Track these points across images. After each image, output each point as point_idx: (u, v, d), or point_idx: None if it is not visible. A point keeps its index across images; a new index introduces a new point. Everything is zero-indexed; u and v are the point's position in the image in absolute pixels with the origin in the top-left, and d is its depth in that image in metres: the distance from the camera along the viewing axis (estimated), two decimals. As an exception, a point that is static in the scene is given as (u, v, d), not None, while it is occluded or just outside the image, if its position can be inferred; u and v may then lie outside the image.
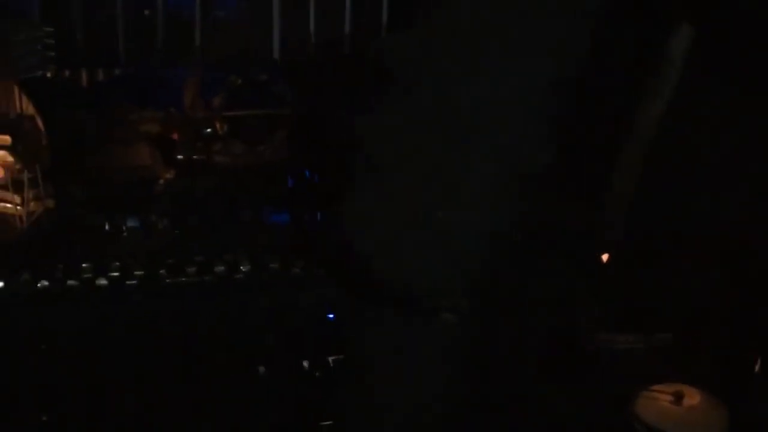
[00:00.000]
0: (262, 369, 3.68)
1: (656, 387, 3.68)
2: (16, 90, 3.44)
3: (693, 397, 3.64)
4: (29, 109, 3.46)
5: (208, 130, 4.09)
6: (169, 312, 3.60)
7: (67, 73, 3.61)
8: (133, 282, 3.65)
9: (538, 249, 3.45)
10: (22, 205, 3.42)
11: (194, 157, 4.10)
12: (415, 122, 3.23)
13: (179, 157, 4.08)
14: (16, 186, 3.44)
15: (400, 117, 3.24)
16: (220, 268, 3.74)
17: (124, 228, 3.93)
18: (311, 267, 3.77)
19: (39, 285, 3.53)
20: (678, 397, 3.60)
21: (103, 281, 3.59)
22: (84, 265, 3.66)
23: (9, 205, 3.45)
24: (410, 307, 3.20)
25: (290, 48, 3.90)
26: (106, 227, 3.92)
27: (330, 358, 3.66)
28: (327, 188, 4.02)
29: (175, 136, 4.18)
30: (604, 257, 3.76)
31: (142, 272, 3.69)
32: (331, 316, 3.72)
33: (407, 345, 3.22)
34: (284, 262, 3.79)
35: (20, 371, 3.48)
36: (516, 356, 3.50)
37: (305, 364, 3.67)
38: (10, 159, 3.35)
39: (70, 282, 3.57)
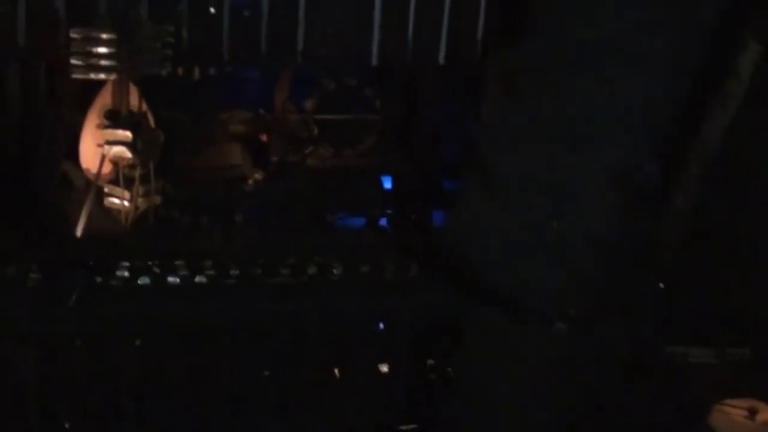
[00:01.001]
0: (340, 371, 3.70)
1: (731, 401, 3.71)
2: (134, 88, 3.47)
3: (767, 413, 3.67)
4: (143, 106, 3.49)
5: (300, 132, 4.12)
6: (264, 311, 3.61)
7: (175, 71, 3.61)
8: (229, 281, 3.67)
9: (631, 260, 3.49)
10: (130, 201, 3.44)
11: (285, 159, 4.13)
12: (531, 132, 3.27)
13: (273, 158, 4.11)
14: (126, 182, 3.45)
15: (516, 127, 3.28)
16: (312, 270, 3.77)
17: (215, 227, 3.96)
18: (403, 271, 3.80)
19: (139, 281, 3.56)
20: (752, 412, 3.62)
21: (201, 278, 3.61)
22: (178, 262, 3.69)
23: (117, 201, 3.47)
24: (523, 315, 3.24)
25: (388, 54, 3.91)
26: (200, 226, 3.96)
27: (428, 362, 3.68)
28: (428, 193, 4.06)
29: (264, 137, 4.21)
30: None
31: (238, 271, 3.71)
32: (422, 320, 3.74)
33: (519, 351, 3.25)
34: (375, 266, 3.82)
35: (118, 366, 3.50)
36: (611, 365, 3.54)
37: (397, 368, 3.68)
38: (128, 155, 3.36)
39: (171, 279, 3.59)
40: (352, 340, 3.64)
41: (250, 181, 4.12)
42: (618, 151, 3.24)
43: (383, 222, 4.24)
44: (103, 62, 3.34)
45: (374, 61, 3.93)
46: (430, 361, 3.65)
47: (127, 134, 3.34)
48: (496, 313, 3.29)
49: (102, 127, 3.49)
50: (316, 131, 4.17)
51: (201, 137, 4.04)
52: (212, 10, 3.71)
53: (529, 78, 3.31)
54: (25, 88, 3.81)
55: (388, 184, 4.43)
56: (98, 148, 3.52)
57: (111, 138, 3.35)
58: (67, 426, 3.52)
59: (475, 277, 3.33)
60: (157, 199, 3.52)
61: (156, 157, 3.47)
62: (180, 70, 3.62)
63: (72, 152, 3.69)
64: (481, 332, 3.33)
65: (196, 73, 3.90)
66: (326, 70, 4.06)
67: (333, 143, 4.22)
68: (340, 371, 3.66)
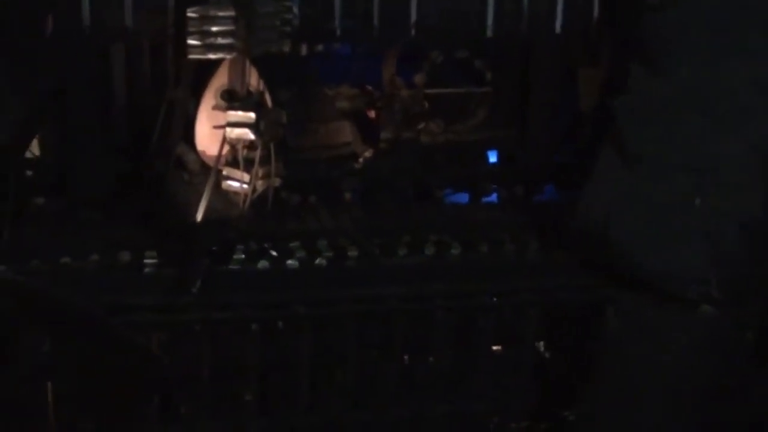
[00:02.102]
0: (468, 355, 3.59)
1: None
2: (251, 66, 3.36)
3: None
4: (260, 86, 3.38)
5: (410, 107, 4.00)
6: (386, 294, 3.50)
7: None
8: (349, 263, 3.57)
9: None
10: (249, 183, 3.34)
11: (395, 135, 4.01)
12: (673, 105, 3.13)
13: (382, 135, 3.99)
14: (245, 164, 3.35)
15: (657, 100, 3.15)
16: (431, 250, 3.65)
17: (327, 207, 3.87)
18: (523, 250, 3.68)
19: (259, 266, 3.46)
20: None
21: (320, 261, 3.51)
22: (293, 244, 3.59)
23: (236, 184, 3.37)
24: (666, 296, 3.12)
25: (503, 25, 3.77)
26: (310, 206, 3.86)
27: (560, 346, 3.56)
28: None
29: (371, 114, 4.09)
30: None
31: (356, 253, 3.61)
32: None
33: (661, 335, 3.14)
34: (494, 245, 3.70)
35: (239, 353, 3.42)
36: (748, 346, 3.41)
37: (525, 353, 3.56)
38: (251, 137, 3.26)
39: (289, 262, 3.49)
40: (477, 323, 3.52)
41: (360, 159, 4.01)
42: (762, 127, 3.11)
43: (493, 198, 4.12)
44: (221, 41, 3.23)
45: (489, 33, 3.80)
46: (562, 345, 3.52)
47: (250, 115, 3.24)
48: (637, 295, 3.18)
49: (219, 108, 3.38)
50: (426, 106, 4.04)
51: (309, 115, 3.92)
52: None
53: (666, 48, 3.17)
54: (134, 71, 3.73)
55: (494, 158, 4.32)
56: (214, 130, 3.41)
57: (233, 119, 3.24)
58: (183, 412, 3.45)
59: (613, 257, 3.22)
60: (276, 181, 3.41)
61: (278, 137, 3.37)
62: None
63: (186, 135, 3.59)
64: (621, 315, 3.21)
65: (303, 49, 3.77)
66: (436, 43, 3.91)
67: (443, 118, 4.09)
68: (467, 355, 3.55)
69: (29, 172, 3.73)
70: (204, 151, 3.46)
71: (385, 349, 3.48)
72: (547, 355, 3.56)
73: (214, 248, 3.24)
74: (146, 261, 3.45)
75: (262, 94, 3.38)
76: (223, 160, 3.44)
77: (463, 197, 4.15)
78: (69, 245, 3.55)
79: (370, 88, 4.08)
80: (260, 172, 3.36)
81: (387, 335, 3.49)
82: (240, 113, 3.26)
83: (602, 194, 3.25)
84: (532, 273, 3.59)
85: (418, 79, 4.02)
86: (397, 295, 3.47)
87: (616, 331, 3.22)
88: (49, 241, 3.62)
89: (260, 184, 3.39)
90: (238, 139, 3.29)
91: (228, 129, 3.29)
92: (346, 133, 3.97)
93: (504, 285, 3.55)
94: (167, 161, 3.53)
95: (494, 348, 3.60)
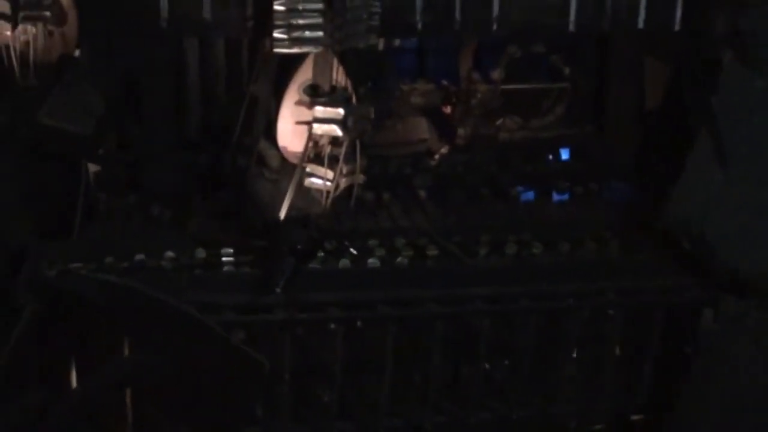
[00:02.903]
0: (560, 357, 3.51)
1: None
2: (336, 62, 3.29)
3: None
4: (345, 81, 3.31)
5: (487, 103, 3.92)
6: (470, 295, 3.43)
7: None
8: (429, 262, 3.50)
9: None
10: (332, 180, 3.26)
11: (472, 131, 3.93)
12: None
13: (459, 131, 3.91)
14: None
15: (754, 97, 3.06)
16: (512, 249, 3.58)
17: (404, 204, 3.80)
18: (603, 249, 3.60)
19: (340, 264, 3.40)
20: None
21: (402, 259, 3.44)
22: (372, 242, 3.53)
23: (318, 181, 3.30)
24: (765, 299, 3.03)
25: (586, 20, 3.69)
26: (386, 203, 3.80)
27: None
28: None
29: (447, 110, 4.02)
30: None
31: (436, 252, 3.54)
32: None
33: (762, 338, 3.05)
34: (576, 244, 3.62)
35: (322, 353, 3.36)
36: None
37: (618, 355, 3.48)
38: (339, 133, 3.19)
39: (371, 261, 3.42)
40: (561, 324, 3.44)
41: (436, 156, 3.93)
42: None
43: (567, 196, 4.04)
44: (308, 34, 3.16)
45: (572, 28, 3.71)
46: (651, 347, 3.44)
47: (339, 111, 3.16)
48: (735, 297, 3.09)
49: (303, 104, 3.31)
50: (502, 102, 3.96)
51: (386, 111, 3.84)
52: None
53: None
54: (209, 64, 3.67)
55: (567, 155, 4.24)
56: (297, 126, 3.34)
57: (320, 115, 3.17)
58: (259, 414, 3.39)
59: (709, 258, 3.14)
60: (360, 178, 3.33)
61: (365, 134, 3.29)
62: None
63: (267, 131, 3.53)
64: (718, 317, 3.13)
65: (380, 44, 3.70)
66: (517, 38, 3.83)
67: (520, 114, 4.01)
68: (549, 357, 3.47)
69: (103, 168, 3.66)
70: (285, 147, 3.40)
71: (468, 351, 3.41)
72: (631, 357, 3.47)
73: (298, 247, 3.16)
74: (224, 259, 3.39)
75: (347, 89, 3.29)
76: (301, 154, 3.36)
77: (537, 194, 4.05)
78: (144, 242, 3.49)
79: (445, 83, 4.00)
80: (344, 169, 3.26)
81: (470, 337, 3.41)
82: (328, 109, 3.18)
83: (695, 193, 3.17)
84: (615, 273, 3.51)
85: (496, 75, 3.94)
86: (481, 295, 3.39)
87: (712, 334, 3.13)
88: (124, 237, 3.56)
89: (343, 182, 3.30)
90: (325, 136, 3.20)
91: (314, 125, 3.20)
92: (422, 129, 3.90)
93: (588, 285, 3.47)
94: (248, 157, 3.45)
95: (575, 350, 3.51)
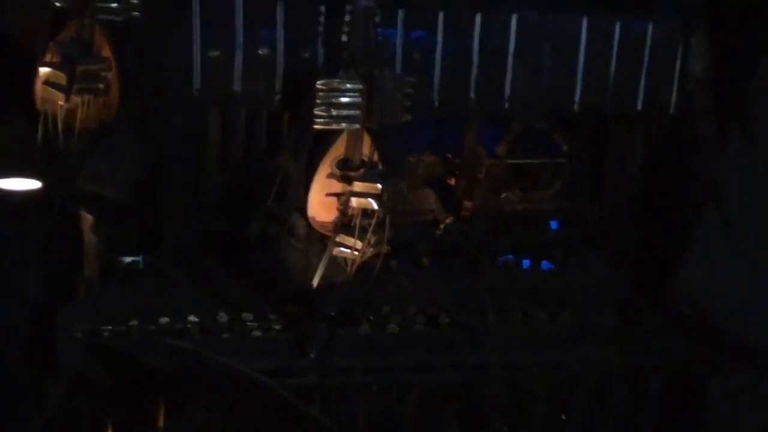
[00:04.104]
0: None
1: None
2: (367, 137, 3.45)
3: None
4: (375, 156, 3.47)
5: (489, 176, 4.11)
6: (485, 364, 3.60)
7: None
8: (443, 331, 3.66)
9: None
10: (360, 250, 3.41)
11: (477, 203, 4.11)
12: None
13: (463, 202, 4.09)
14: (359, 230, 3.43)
15: (758, 173, 3.27)
16: (518, 317, 3.76)
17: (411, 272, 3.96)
18: (605, 319, 3.79)
19: (361, 330, 3.55)
20: None
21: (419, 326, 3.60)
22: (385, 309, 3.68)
23: (347, 251, 3.44)
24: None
25: (589, 101, 3.92)
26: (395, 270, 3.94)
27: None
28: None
29: (452, 181, 4.19)
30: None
31: (448, 320, 3.71)
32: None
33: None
34: (579, 313, 3.82)
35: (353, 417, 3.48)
36: None
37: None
38: (374, 206, 3.34)
39: (391, 326, 3.57)
40: (572, 392, 3.62)
41: (441, 226, 4.10)
42: None
43: (561, 265, 4.21)
44: (346, 113, 3.32)
45: (576, 108, 3.94)
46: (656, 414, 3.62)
47: (377, 186, 3.31)
48: (743, 365, 3.28)
49: (335, 177, 3.46)
50: (505, 175, 4.15)
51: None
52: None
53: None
54: (234, 131, 3.80)
55: (556, 226, 4.43)
56: (326, 197, 3.49)
57: (359, 189, 3.32)
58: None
59: (716, 327, 3.33)
60: (385, 248, 3.48)
61: (397, 206, 3.44)
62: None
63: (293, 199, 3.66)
64: (727, 385, 3.31)
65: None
66: (525, 115, 4.04)
67: (521, 186, 4.20)
68: (558, 424, 3.64)
69: (124, 228, 3.75)
70: (314, 218, 3.53)
71: (485, 417, 3.56)
72: (637, 424, 3.65)
73: (332, 313, 3.30)
74: (249, 323, 3.51)
75: (377, 164, 3.45)
76: (330, 225, 3.50)
77: (532, 262, 4.24)
78: (165, 304, 3.59)
79: (449, 156, 4.18)
80: (372, 240, 3.41)
81: (484, 401, 3.57)
82: (366, 183, 3.33)
83: (701, 265, 3.37)
84: (620, 341, 3.69)
85: (501, 149, 4.12)
86: (495, 362, 3.56)
87: (722, 401, 3.32)
88: (144, 299, 3.65)
89: (370, 251, 3.45)
90: (360, 208, 3.36)
91: (352, 198, 3.35)
92: (430, 200, 4.05)
93: (593, 354, 3.66)
94: (277, 225, 3.58)
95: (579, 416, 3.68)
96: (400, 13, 3.67)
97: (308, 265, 3.53)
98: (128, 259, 3.80)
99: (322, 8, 3.59)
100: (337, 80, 3.32)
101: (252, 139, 3.76)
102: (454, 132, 4.19)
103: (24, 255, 3.50)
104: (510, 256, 4.23)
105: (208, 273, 3.69)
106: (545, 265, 4.25)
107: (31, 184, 3.38)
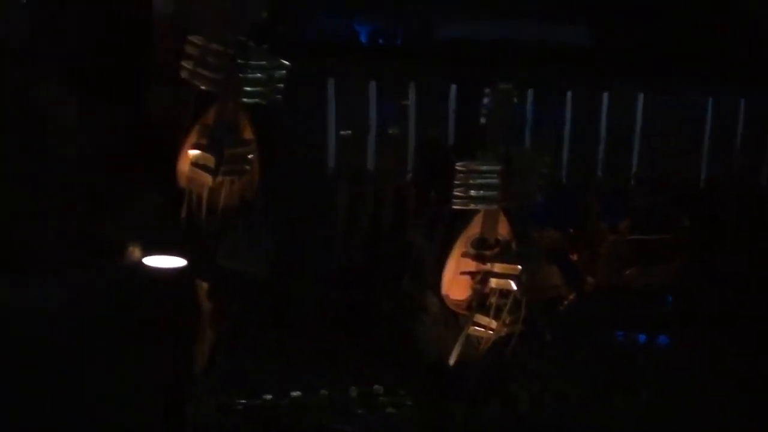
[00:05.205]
0: None
1: None
2: (503, 216, 3.48)
3: None
4: (509, 234, 3.50)
5: (613, 252, 4.11)
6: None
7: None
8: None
9: None
10: (495, 329, 3.43)
11: (600, 279, 4.11)
12: None
13: (587, 278, 4.09)
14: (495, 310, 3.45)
15: None
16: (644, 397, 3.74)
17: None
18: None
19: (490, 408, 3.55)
20: None
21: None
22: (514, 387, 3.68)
23: (481, 330, 3.46)
24: None
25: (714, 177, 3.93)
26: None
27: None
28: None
29: (574, 257, 4.20)
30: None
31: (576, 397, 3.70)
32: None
33: None
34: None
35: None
36: None
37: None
38: (513, 287, 3.37)
39: (521, 404, 3.58)
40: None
41: (566, 302, 4.10)
42: None
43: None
44: (484, 193, 3.36)
45: (701, 185, 3.94)
46: None
47: (518, 267, 3.34)
48: None
49: (471, 256, 3.49)
50: (627, 251, 4.15)
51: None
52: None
53: None
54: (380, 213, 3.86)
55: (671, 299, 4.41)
56: (460, 275, 3.52)
57: (500, 270, 3.35)
58: None
59: None
60: (520, 328, 3.50)
61: (538, 288, 3.46)
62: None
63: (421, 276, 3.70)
64: None
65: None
66: (644, 191, 4.05)
67: (642, 262, 4.19)
68: None
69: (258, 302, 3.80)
70: (448, 296, 3.56)
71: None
72: None
73: (468, 392, 3.32)
74: (382, 398, 3.53)
75: (512, 243, 3.48)
76: (463, 304, 3.53)
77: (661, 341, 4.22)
78: (293, 377, 3.62)
79: (572, 231, 4.19)
80: (507, 320, 3.43)
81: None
82: (506, 264, 3.36)
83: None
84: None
85: (623, 225, 4.13)
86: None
87: None
88: (273, 372, 3.68)
89: (504, 331, 3.46)
90: (498, 289, 3.38)
91: (491, 278, 3.38)
92: (555, 277, 4.06)
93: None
94: (410, 302, 3.62)
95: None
96: (530, 93, 3.71)
97: (440, 342, 3.54)
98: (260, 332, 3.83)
99: (453, 87, 3.64)
100: (475, 162, 3.35)
101: (383, 215, 3.79)
102: (572, 205, 4.21)
103: (160, 329, 3.55)
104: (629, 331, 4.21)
105: (340, 347, 3.71)
106: (663, 339, 4.23)
107: (175, 262, 3.44)
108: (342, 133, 3.66)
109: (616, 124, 3.82)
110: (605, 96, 3.79)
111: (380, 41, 3.80)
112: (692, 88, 3.86)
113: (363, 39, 3.82)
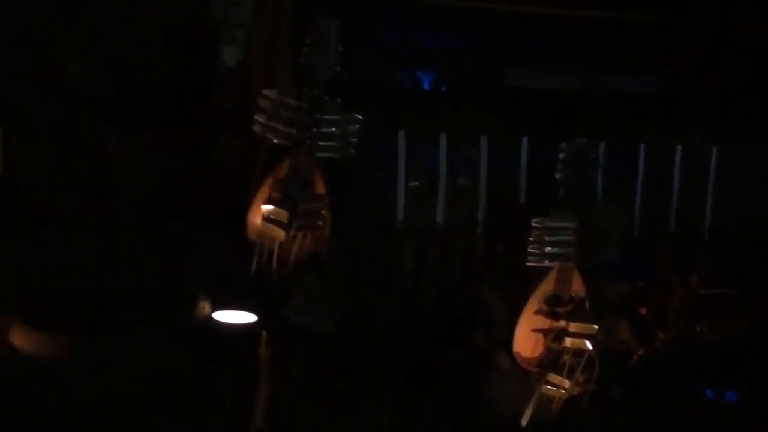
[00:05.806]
0: None
1: None
2: (577, 273, 3.42)
3: None
4: (583, 291, 3.44)
5: (684, 307, 4.03)
6: None
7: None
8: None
9: None
10: (567, 389, 3.36)
11: (670, 334, 4.03)
12: None
13: (660, 334, 4.02)
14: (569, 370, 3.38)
15: None
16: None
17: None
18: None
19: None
20: None
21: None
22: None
23: (553, 389, 3.40)
24: None
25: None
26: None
27: None
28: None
29: (643, 311, 4.12)
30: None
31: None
32: None
33: None
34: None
35: None
36: None
37: None
38: (590, 348, 3.31)
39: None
40: None
41: (635, 357, 4.02)
42: None
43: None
44: (558, 251, 3.31)
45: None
46: None
47: (593, 327, 3.28)
48: None
49: (544, 313, 3.43)
50: (700, 306, 4.07)
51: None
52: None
53: None
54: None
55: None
56: (533, 333, 3.46)
57: (577, 330, 3.29)
58: None
59: None
60: (592, 387, 3.43)
61: (607, 343, 3.40)
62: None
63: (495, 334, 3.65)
64: None
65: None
66: (717, 245, 3.98)
67: (713, 318, 4.11)
68: None
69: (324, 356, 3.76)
70: (519, 353, 3.50)
71: None
72: None
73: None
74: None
75: (585, 301, 3.42)
76: (533, 362, 3.47)
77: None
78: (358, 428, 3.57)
79: (642, 284, 4.12)
80: (581, 378, 3.37)
81: None
82: (582, 323, 3.30)
83: None
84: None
85: (694, 279, 4.05)
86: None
87: None
88: (342, 428, 3.64)
89: (576, 390, 3.40)
90: (574, 348, 3.32)
91: (568, 339, 3.32)
92: (624, 332, 3.99)
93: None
94: (481, 358, 3.57)
95: None
96: (602, 146, 3.66)
97: (511, 400, 3.47)
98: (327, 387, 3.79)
99: (525, 139, 3.60)
100: (551, 218, 3.30)
101: (453, 269, 3.74)
102: (643, 258, 4.13)
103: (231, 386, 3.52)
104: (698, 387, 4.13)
105: (407, 403, 3.65)
106: (731, 396, 4.15)
107: (246, 317, 3.40)
108: (411, 184, 3.61)
109: (689, 176, 3.74)
110: (678, 148, 3.72)
111: (451, 92, 3.77)
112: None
113: (431, 88, 3.79)
